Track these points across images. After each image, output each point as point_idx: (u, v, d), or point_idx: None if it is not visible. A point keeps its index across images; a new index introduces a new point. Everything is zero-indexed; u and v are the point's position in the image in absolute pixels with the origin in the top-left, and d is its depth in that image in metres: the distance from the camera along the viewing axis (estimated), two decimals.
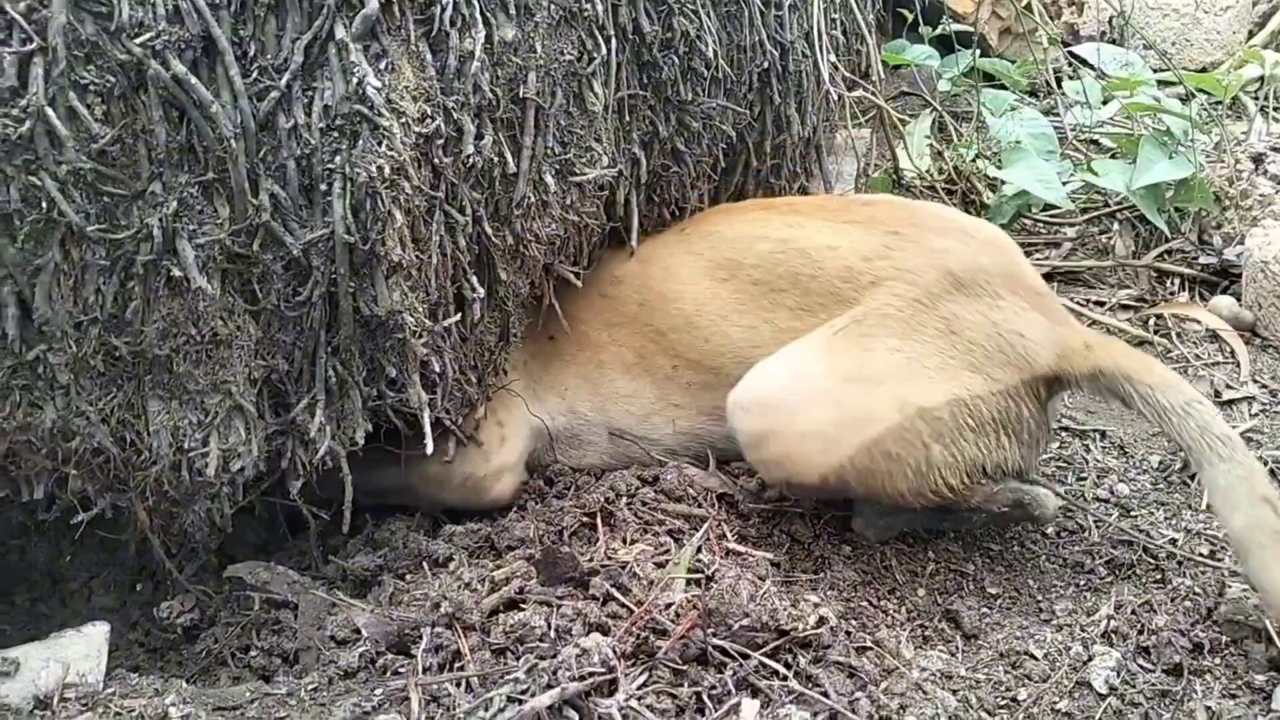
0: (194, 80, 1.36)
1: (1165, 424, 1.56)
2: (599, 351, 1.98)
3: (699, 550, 1.66)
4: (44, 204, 1.33)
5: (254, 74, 1.42)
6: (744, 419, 1.71)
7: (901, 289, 1.70)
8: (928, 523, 1.77)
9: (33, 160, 1.32)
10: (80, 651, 1.47)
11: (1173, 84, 2.89)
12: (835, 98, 2.32)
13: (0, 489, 1.58)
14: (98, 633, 1.49)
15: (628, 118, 1.89)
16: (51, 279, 1.38)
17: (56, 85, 1.31)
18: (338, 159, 1.45)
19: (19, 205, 1.33)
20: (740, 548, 1.71)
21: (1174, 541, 1.77)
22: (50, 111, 1.31)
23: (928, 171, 2.84)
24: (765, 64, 2.09)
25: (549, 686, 1.31)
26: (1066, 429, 2.11)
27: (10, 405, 1.45)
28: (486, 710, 1.29)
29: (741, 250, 1.88)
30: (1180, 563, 1.72)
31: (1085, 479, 1.97)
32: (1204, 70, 3.43)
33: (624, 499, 1.81)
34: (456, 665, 1.41)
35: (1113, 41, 3.50)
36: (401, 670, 1.43)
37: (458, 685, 1.36)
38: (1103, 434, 2.10)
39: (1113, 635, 1.56)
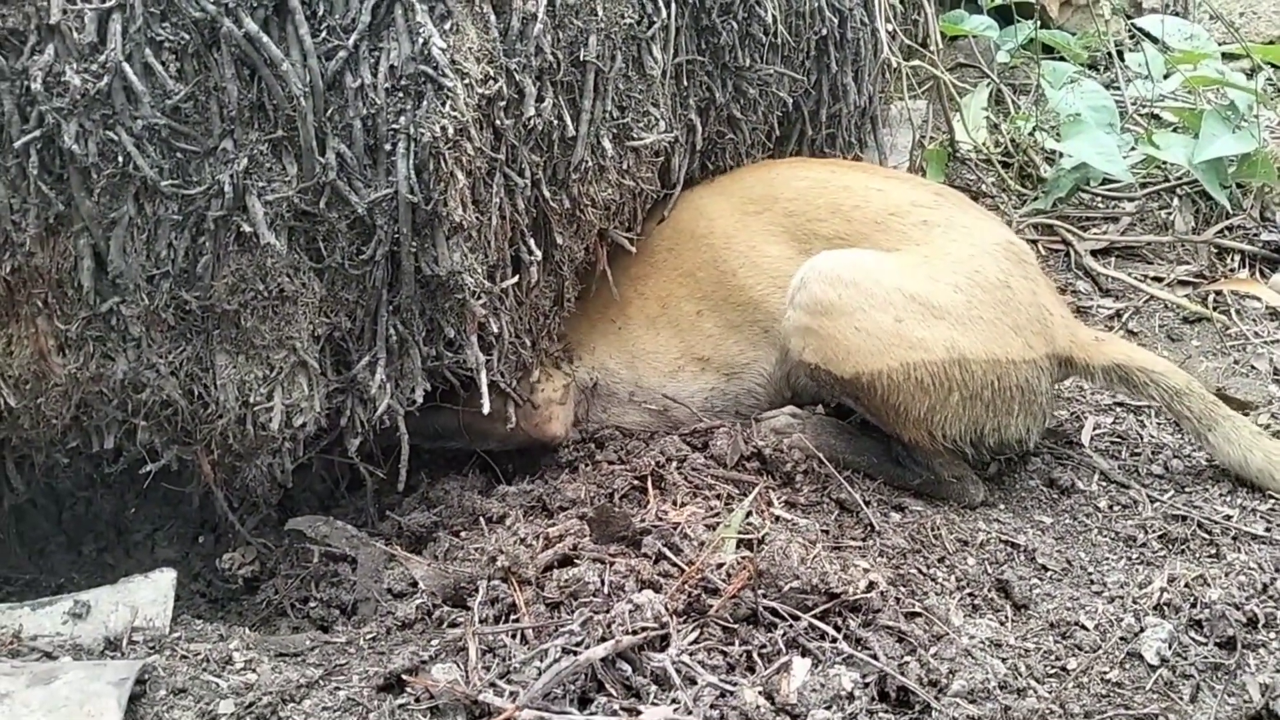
0: (265, 39, 1.39)
1: (1176, 400, 1.79)
2: (625, 307, 1.99)
3: (749, 514, 1.68)
4: (120, 158, 1.37)
5: (323, 33, 1.44)
6: (816, 286, 1.75)
7: (960, 236, 1.78)
8: (870, 470, 1.82)
9: (110, 115, 1.35)
10: (148, 596, 1.52)
11: (1238, 57, 2.83)
12: (893, 66, 2.30)
13: (72, 439, 1.63)
14: (165, 579, 1.54)
15: (685, 83, 1.89)
16: (126, 233, 1.42)
17: (134, 42, 1.35)
18: (402, 119, 1.48)
19: (96, 159, 1.36)
20: (789, 515, 1.72)
21: (1228, 517, 1.76)
22: (127, 67, 1.34)
23: (984, 144, 2.81)
24: (823, 31, 2.08)
25: (603, 639, 1.33)
26: (1121, 404, 2.09)
27: (84, 356, 1.50)
28: (542, 661, 1.31)
29: (778, 187, 1.91)
30: (1235, 538, 1.71)
31: (1140, 454, 1.95)
32: (1272, 43, 3.35)
33: (674, 463, 1.83)
34: (512, 618, 1.44)
35: (1176, 14, 3.42)
36: (458, 622, 1.46)
37: (513, 637, 1.39)
38: (1157, 410, 2.07)
39: (1165, 608, 1.56)
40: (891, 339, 1.70)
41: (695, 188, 2.02)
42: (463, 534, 1.71)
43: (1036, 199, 2.72)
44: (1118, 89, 3.08)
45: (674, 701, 1.28)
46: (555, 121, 1.65)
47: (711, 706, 1.27)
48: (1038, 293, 1.78)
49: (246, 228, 1.44)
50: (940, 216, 1.80)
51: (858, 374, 1.72)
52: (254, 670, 1.37)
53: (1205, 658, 1.48)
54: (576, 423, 1.98)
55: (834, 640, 1.42)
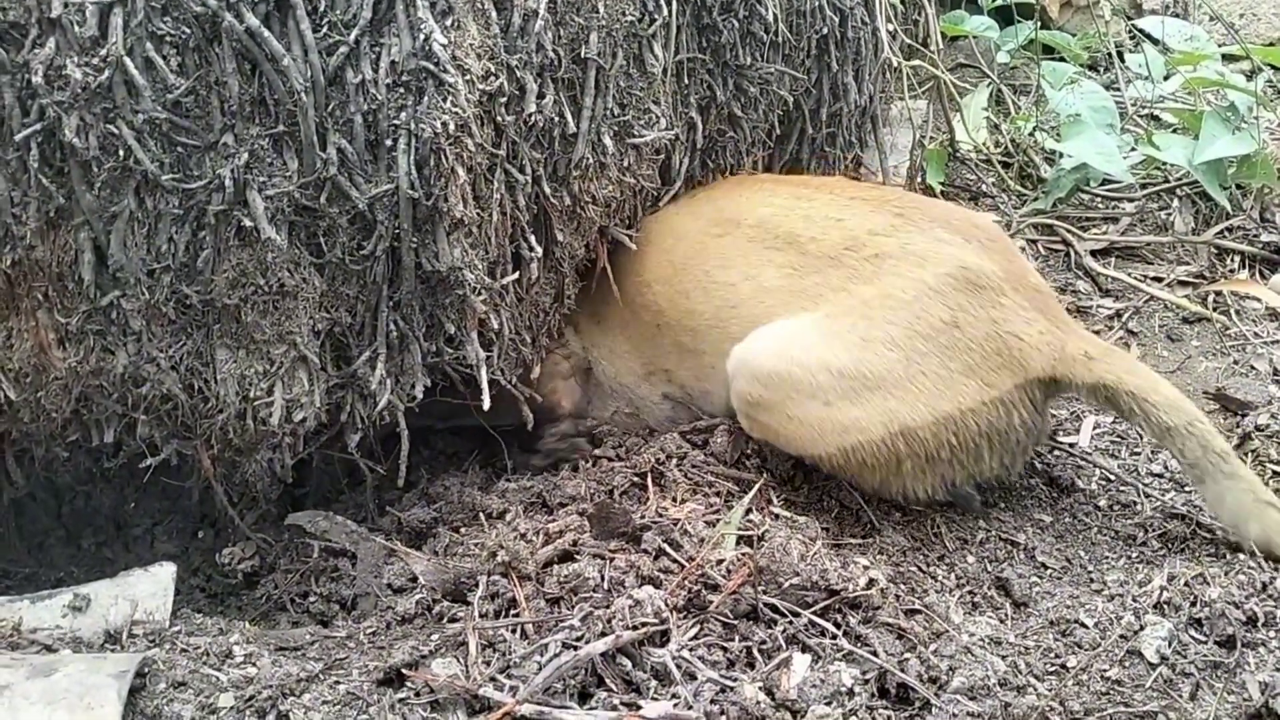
0: (266, 33, 1.39)
1: (1168, 441, 1.61)
2: (604, 304, 1.97)
3: (749, 511, 1.68)
4: (121, 152, 1.37)
5: (324, 28, 1.44)
6: (744, 383, 1.72)
7: (909, 270, 1.67)
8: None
9: (111, 109, 1.35)
10: (148, 590, 1.51)
11: (1238, 58, 2.83)
12: (893, 66, 2.30)
13: (72, 433, 1.63)
14: (165, 572, 1.54)
15: (686, 81, 1.90)
16: (126, 226, 1.42)
17: (135, 36, 1.35)
18: (403, 115, 1.48)
19: (97, 153, 1.37)
20: (789, 512, 1.72)
21: None
22: (128, 61, 1.34)
23: (984, 144, 2.82)
24: (824, 30, 2.08)
25: (603, 635, 1.33)
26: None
27: (84, 350, 1.50)
28: (542, 655, 1.31)
29: (744, 210, 1.86)
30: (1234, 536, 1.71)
31: (1139, 453, 1.95)
32: (1272, 45, 3.36)
33: (674, 460, 1.83)
34: (512, 613, 1.44)
35: (1177, 15, 3.43)
36: (458, 617, 1.46)
37: (513, 631, 1.39)
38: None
39: (1165, 606, 1.56)
40: (824, 426, 1.65)
41: (678, 200, 2.00)
42: (462, 530, 1.71)
43: (1036, 199, 2.73)
44: (1118, 90, 3.08)
45: (674, 697, 1.28)
46: (556, 118, 1.65)
47: (712, 702, 1.27)
48: (1000, 320, 1.64)
49: (247, 222, 1.44)
50: (894, 245, 1.70)
51: (802, 456, 1.73)
52: (254, 664, 1.37)
53: (1205, 656, 1.48)
54: (584, 401, 1.98)
55: (834, 637, 1.43)
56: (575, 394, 1.96)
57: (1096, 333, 2.22)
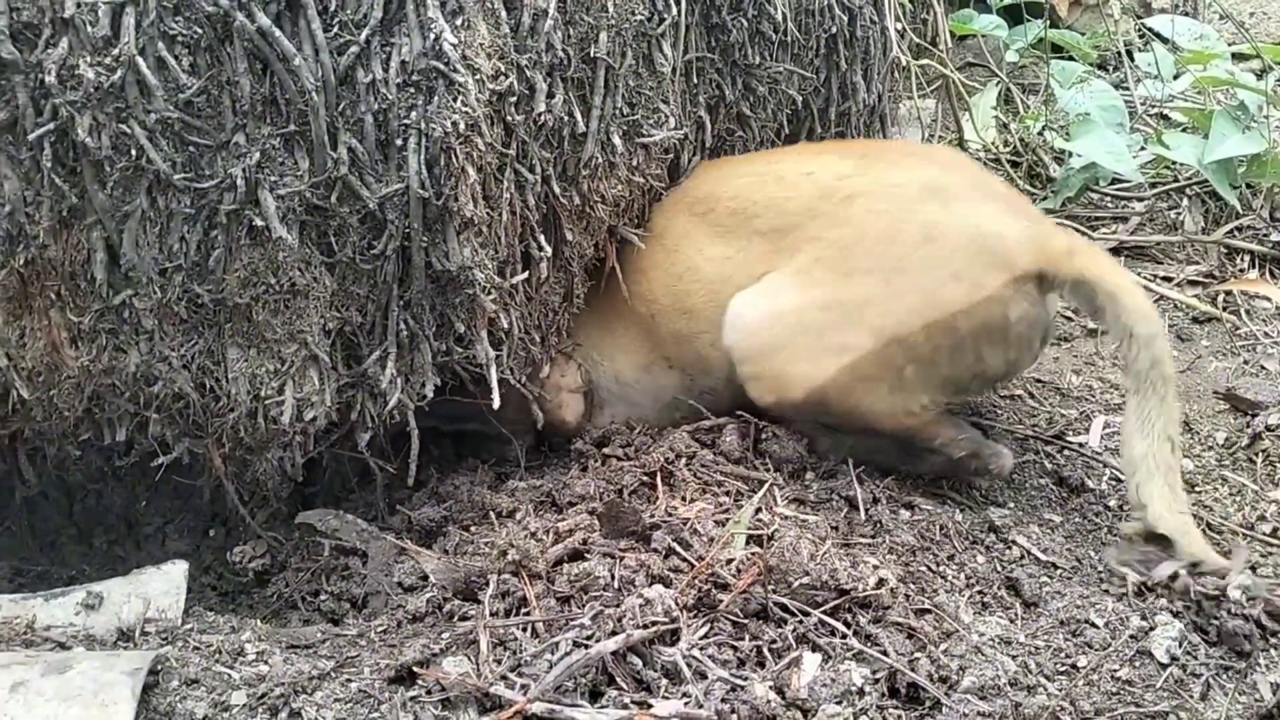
0: (278, 33, 1.39)
1: (1124, 346, 1.63)
2: (605, 297, 1.98)
3: (758, 510, 1.68)
4: (133, 151, 1.37)
5: (335, 28, 1.45)
6: (738, 339, 1.77)
7: (878, 203, 1.73)
8: (887, 460, 1.81)
9: (123, 108, 1.36)
10: (160, 588, 1.52)
11: (1248, 57, 2.82)
12: (902, 65, 2.30)
13: (84, 431, 1.64)
14: (177, 570, 1.54)
15: (695, 80, 1.90)
16: (138, 225, 1.43)
17: (147, 35, 1.35)
18: (413, 114, 1.48)
19: (109, 152, 1.37)
20: (799, 511, 1.72)
21: (1238, 517, 1.75)
22: (140, 61, 1.35)
23: (993, 143, 2.81)
24: (833, 29, 2.08)
25: (614, 633, 1.33)
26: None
27: (96, 349, 1.50)
28: (553, 654, 1.32)
29: (721, 185, 1.89)
30: (1246, 540, 1.70)
31: None
32: None
33: (683, 460, 1.83)
34: (523, 611, 1.44)
35: (1186, 14, 3.42)
36: (469, 615, 1.46)
37: (524, 630, 1.39)
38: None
39: (1175, 606, 1.55)
40: (818, 355, 1.69)
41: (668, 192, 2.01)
42: (472, 529, 1.71)
43: (1045, 199, 2.72)
44: (1127, 89, 3.08)
45: (685, 695, 1.28)
46: (565, 118, 1.65)
47: (722, 700, 1.27)
48: (978, 223, 1.68)
49: (258, 222, 1.45)
50: (863, 184, 1.75)
51: (808, 395, 1.72)
52: (266, 662, 1.38)
53: (1216, 656, 1.47)
54: (588, 414, 1.98)
55: (844, 636, 1.43)
56: (579, 408, 1.97)
57: (1104, 334, 2.23)
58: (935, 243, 1.67)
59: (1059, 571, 1.69)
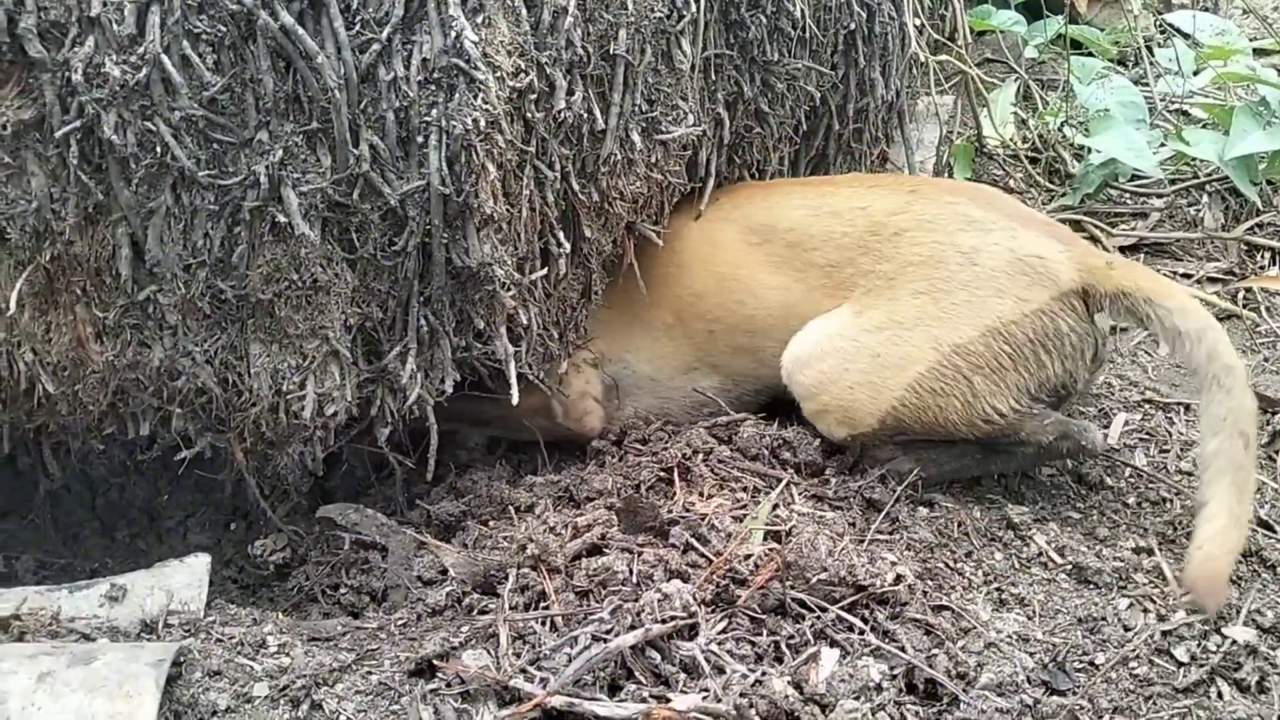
0: (301, 31, 1.40)
1: (1178, 346, 1.62)
2: (642, 310, 2.00)
3: (776, 506, 1.68)
4: (158, 149, 1.39)
5: (356, 26, 1.46)
6: (799, 375, 1.81)
7: (922, 235, 1.79)
8: (977, 469, 1.81)
9: (148, 106, 1.37)
10: (183, 580, 1.54)
11: (1270, 53, 2.80)
12: (920, 61, 2.30)
13: (108, 425, 1.65)
14: (200, 563, 1.56)
15: (713, 77, 1.90)
16: (163, 222, 1.44)
17: (172, 34, 1.36)
18: (434, 112, 1.49)
19: (135, 149, 1.39)
20: (817, 508, 1.72)
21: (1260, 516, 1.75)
22: (165, 59, 1.36)
23: (1012, 139, 2.80)
24: (851, 25, 2.08)
25: (632, 628, 1.34)
26: (1150, 401, 2.08)
27: (121, 344, 1.52)
28: (572, 648, 1.32)
29: (776, 217, 1.94)
30: (1266, 538, 1.70)
31: (1168, 451, 1.95)
32: None
33: (700, 455, 1.83)
34: (542, 605, 1.45)
35: (1207, 9, 3.40)
36: (488, 609, 1.47)
37: (543, 624, 1.40)
38: (1186, 407, 2.06)
39: (1195, 604, 1.55)
40: (882, 374, 1.73)
41: (706, 211, 2.03)
42: (491, 523, 1.72)
43: (1065, 195, 2.71)
44: (1147, 85, 3.06)
45: (703, 690, 1.29)
46: (585, 115, 1.66)
47: (741, 695, 1.27)
48: (1018, 247, 1.73)
49: (281, 218, 1.46)
50: (909, 219, 1.81)
51: (882, 420, 1.75)
52: (288, 654, 1.39)
53: (1235, 655, 1.47)
54: (610, 419, 2.00)
55: (862, 632, 1.43)
56: (602, 415, 2.00)
57: (1124, 330, 2.22)
58: (978, 265, 1.73)
59: (1077, 569, 1.68)
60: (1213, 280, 2.47)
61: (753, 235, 1.94)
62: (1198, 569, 1.52)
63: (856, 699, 1.31)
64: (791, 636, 1.41)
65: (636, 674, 1.32)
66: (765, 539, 1.59)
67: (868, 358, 1.74)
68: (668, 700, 1.26)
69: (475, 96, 1.49)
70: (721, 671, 1.32)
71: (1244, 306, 2.35)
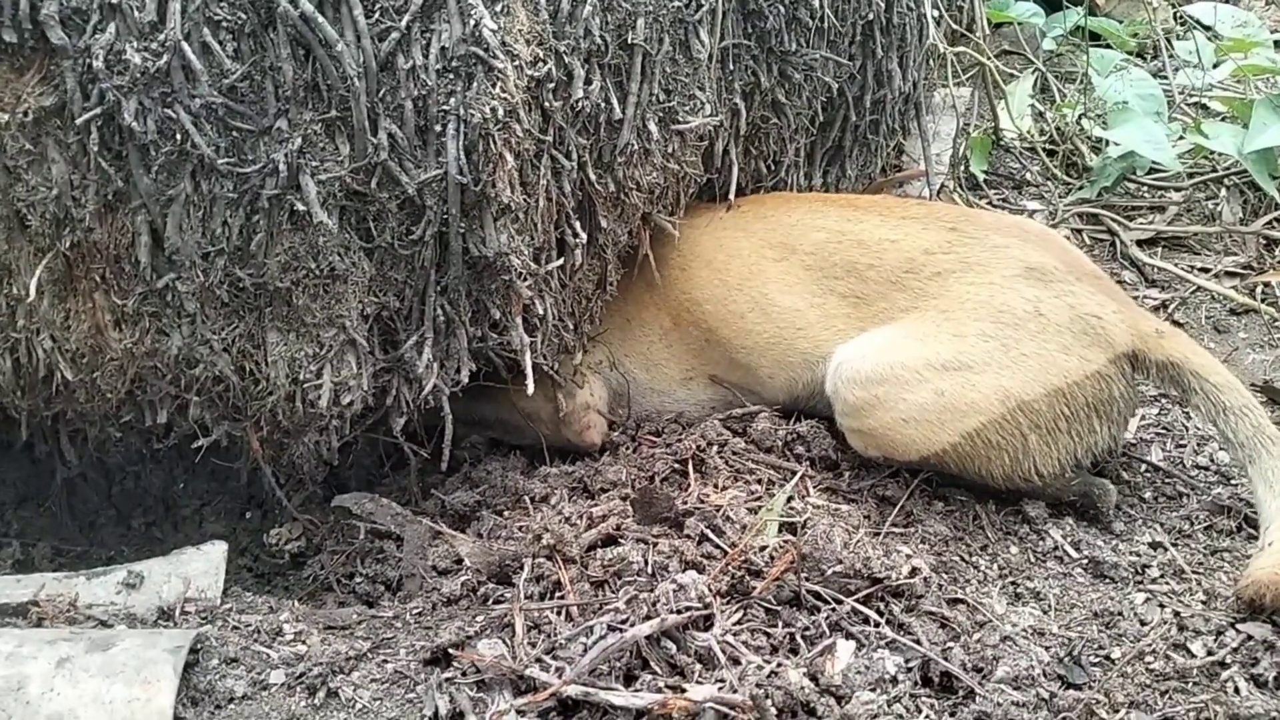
0: (320, 19, 1.40)
1: (1222, 420, 1.66)
2: (641, 311, 1.99)
3: (791, 499, 1.68)
4: (178, 136, 1.39)
5: (376, 14, 1.45)
6: (848, 392, 1.74)
7: (976, 278, 1.74)
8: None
9: (169, 93, 1.37)
10: (200, 568, 1.54)
11: None
12: (938, 53, 2.28)
13: (126, 413, 1.66)
14: (216, 551, 1.57)
15: (731, 67, 1.89)
16: (182, 210, 1.44)
17: (192, 21, 1.36)
18: (452, 100, 1.48)
19: (155, 137, 1.39)
20: (832, 500, 1.72)
21: None
22: (186, 46, 1.36)
23: (1029, 132, 2.79)
24: (869, 16, 2.06)
25: (648, 618, 1.34)
26: (1167, 395, 2.07)
27: (140, 331, 1.53)
28: (588, 637, 1.33)
29: (797, 236, 1.89)
30: None
31: (1185, 446, 1.94)
32: None
33: (715, 447, 1.83)
34: (557, 595, 1.45)
35: (1227, 1, 3.37)
36: (504, 598, 1.47)
37: (559, 614, 1.40)
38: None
39: (1211, 599, 1.54)
40: (942, 415, 1.68)
41: (715, 210, 2.01)
42: (506, 513, 1.73)
43: (1082, 188, 2.70)
44: (1166, 77, 3.03)
45: (719, 680, 1.29)
46: (602, 104, 1.65)
47: (757, 686, 1.27)
48: (1077, 304, 1.70)
49: (299, 206, 1.46)
50: (954, 261, 1.76)
51: (924, 457, 1.71)
52: (304, 642, 1.40)
53: (1252, 649, 1.46)
54: (611, 427, 1.99)
55: (877, 625, 1.43)
56: (604, 429, 1.97)
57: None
58: (1044, 317, 1.69)
59: (1093, 563, 1.68)
60: (1230, 274, 2.45)
61: (769, 250, 1.90)
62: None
63: (872, 691, 1.31)
64: (807, 628, 1.41)
65: (652, 664, 1.32)
66: (780, 531, 1.59)
67: (931, 394, 1.68)
68: (683, 690, 1.26)
69: (493, 85, 1.49)
70: (737, 662, 1.32)
71: (1262, 301, 2.33)
